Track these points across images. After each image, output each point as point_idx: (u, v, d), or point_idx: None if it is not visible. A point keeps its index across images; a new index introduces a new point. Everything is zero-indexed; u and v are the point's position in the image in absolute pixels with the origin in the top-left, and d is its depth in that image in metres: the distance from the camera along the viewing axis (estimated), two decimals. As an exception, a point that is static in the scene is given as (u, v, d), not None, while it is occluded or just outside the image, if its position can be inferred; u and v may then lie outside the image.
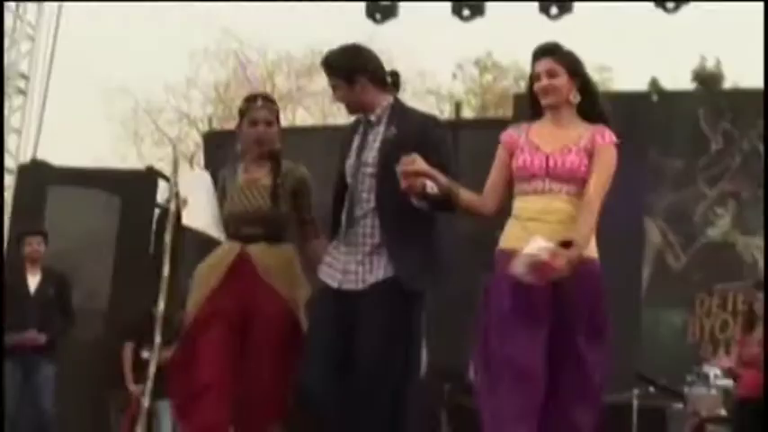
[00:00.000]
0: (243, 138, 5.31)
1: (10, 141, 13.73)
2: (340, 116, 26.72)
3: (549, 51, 4.62)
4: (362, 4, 12.54)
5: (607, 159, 4.48)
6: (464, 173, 4.70)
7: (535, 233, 4.30)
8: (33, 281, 8.55)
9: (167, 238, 5.34)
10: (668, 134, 9.64)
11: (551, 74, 4.56)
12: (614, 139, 4.53)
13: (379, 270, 4.61)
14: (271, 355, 4.92)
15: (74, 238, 8.95)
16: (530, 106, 4.68)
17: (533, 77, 4.62)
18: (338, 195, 4.81)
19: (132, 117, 26.67)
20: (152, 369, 5.41)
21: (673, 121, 9.65)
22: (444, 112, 25.35)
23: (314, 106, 27.65)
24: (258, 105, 5.26)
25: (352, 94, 4.84)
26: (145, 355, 8.75)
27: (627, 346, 8.24)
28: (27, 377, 8.43)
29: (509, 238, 4.47)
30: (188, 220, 5.24)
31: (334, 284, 4.69)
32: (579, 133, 4.53)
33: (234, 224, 5.18)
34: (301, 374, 4.59)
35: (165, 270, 5.38)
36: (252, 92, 5.34)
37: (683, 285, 9.69)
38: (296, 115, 27.28)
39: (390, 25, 12.73)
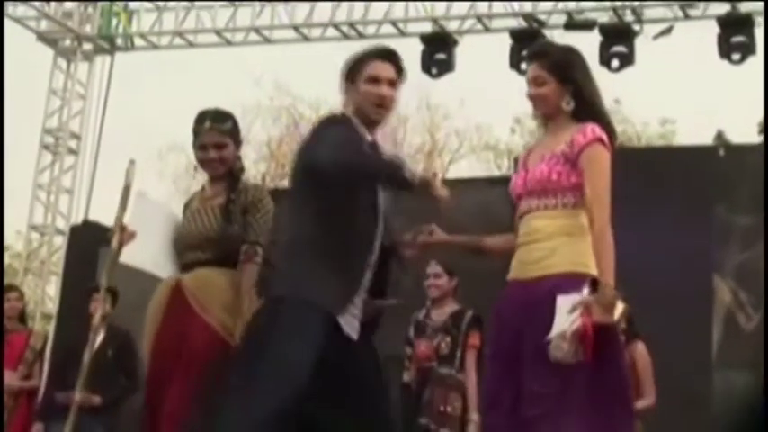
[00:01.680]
0: (196, 161, 5.06)
1: (61, 202, 13.96)
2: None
3: (535, 56, 4.30)
4: (417, 58, 12.62)
5: (597, 163, 4.07)
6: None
7: (517, 257, 4.13)
8: (96, 340, 8.56)
9: (103, 279, 5.14)
10: (736, 189, 9.55)
11: (537, 82, 4.21)
12: (599, 133, 4.11)
13: None
14: (184, 387, 4.61)
15: (127, 300, 8.97)
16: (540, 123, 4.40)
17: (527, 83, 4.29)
18: (368, 227, 4.18)
19: (185, 175, 26.93)
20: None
21: (740, 175, 9.55)
22: (502, 168, 25.34)
23: (369, 163, 27.72)
24: (206, 128, 4.96)
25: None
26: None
27: (696, 409, 8.12)
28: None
29: (510, 270, 4.22)
30: (128, 257, 5.04)
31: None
32: (562, 139, 4.15)
33: (179, 250, 4.93)
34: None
35: (99, 310, 5.21)
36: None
37: (756, 346, 9.55)
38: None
39: (447, 79, 12.80)
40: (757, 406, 7.30)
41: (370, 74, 4.17)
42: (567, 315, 3.84)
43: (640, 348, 7.06)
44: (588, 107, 4.20)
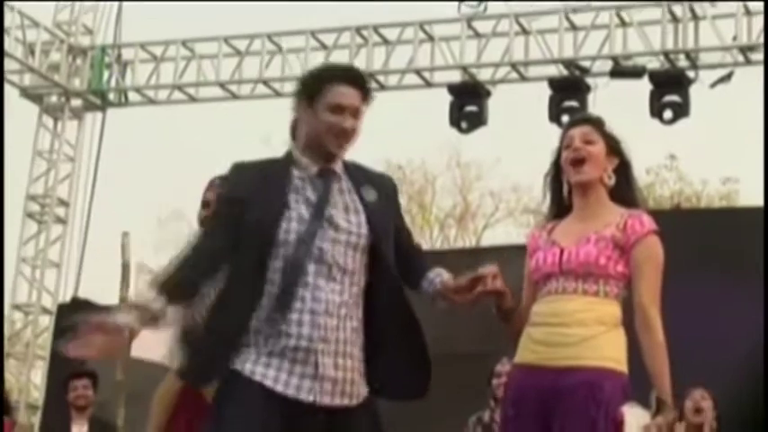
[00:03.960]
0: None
1: (48, 277, 13.98)
2: (423, 240, 26.93)
3: (586, 120, 4.38)
4: (446, 111, 12.68)
5: (653, 257, 4.13)
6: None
7: (534, 338, 4.13)
8: None
9: (118, 373, 5.10)
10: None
11: (587, 140, 4.22)
12: (654, 225, 4.15)
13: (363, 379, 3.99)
14: None
15: (122, 385, 9.00)
16: (553, 196, 4.37)
17: (562, 148, 4.27)
18: (254, 254, 3.93)
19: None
20: None
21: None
22: (544, 233, 25.31)
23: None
24: (215, 184, 5.07)
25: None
26: None
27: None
28: None
29: (519, 351, 4.22)
30: (141, 350, 5.06)
31: (308, 397, 3.83)
32: (606, 221, 4.17)
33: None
34: None
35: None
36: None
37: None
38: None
39: (479, 134, 12.85)
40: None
41: (333, 101, 4.01)
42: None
43: None
44: (629, 188, 4.29)
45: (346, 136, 4.04)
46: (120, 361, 5.03)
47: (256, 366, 3.82)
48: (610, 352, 4.07)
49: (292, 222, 3.89)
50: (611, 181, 4.23)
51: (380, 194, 4.06)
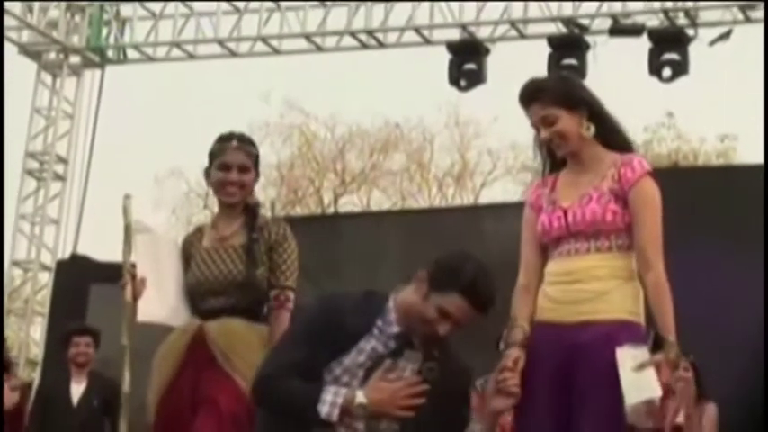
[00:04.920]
0: (212, 183, 5.04)
1: (47, 234, 13.96)
2: (421, 198, 26.95)
3: (531, 97, 4.27)
4: (444, 69, 12.64)
5: (648, 200, 4.13)
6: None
7: (550, 296, 4.15)
8: (77, 389, 8.59)
9: (124, 338, 5.03)
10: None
11: (548, 122, 4.21)
12: (646, 166, 4.17)
13: None
14: None
15: (119, 343, 9.00)
16: (547, 156, 4.37)
17: (534, 127, 4.29)
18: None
19: (185, 202, 27.06)
20: None
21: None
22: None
23: (391, 187, 27.77)
24: (232, 147, 4.98)
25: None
26: None
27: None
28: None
29: (537, 310, 4.22)
30: (145, 313, 4.91)
31: None
32: (602, 173, 4.18)
33: (198, 296, 4.93)
34: None
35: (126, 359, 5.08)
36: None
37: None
38: (371, 197, 27.44)
39: (477, 92, 12.81)
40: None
41: (447, 309, 4.06)
42: (634, 373, 3.91)
43: (710, 413, 7.08)
44: (609, 127, 4.25)
45: (435, 339, 4.05)
46: (125, 325, 4.95)
47: None
48: (625, 304, 4.08)
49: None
50: (590, 132, 4.20)
51: (441, 385, 4.02)
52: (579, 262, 4.14)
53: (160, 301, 5.00)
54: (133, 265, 4.96)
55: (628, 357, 3.93)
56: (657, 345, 3.97)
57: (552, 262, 4.22)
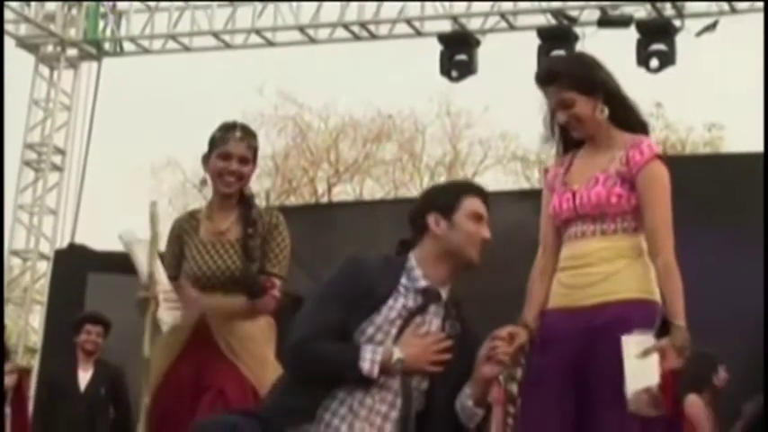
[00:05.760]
0: (210, 171, 5.00)
1: (45, 223, 13.96)
2: (413, 187, 26.92)
3: (550, 80, 4.28)
4: (436, 60, 12.63)
5: (656, 182, 4.12)
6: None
7: (562, 282, 4.14)
8: (84, 376, 8.60)
9: (145, 347, 4.96)
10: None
11: (565, 105, 4.20)
12: (655, 149, 4.17)
13: None
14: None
15: (118, 332, 8.99)
16: (561, 137, 4.34)
17: (551, 109, 4.29)
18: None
19: (181, 192, 27.03)
20: None
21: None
22: (532, 180, 25.34)
23: (384, 177, 27.77)
24: (236, 137, 4.95)
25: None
26: None
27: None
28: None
29: (550, 297, 4.21)
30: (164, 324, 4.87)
31: None
32: (612, 155, 4.18)
33: (197, 289, 4.91)
34: None
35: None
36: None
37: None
38: (363, 187, 27.43)
39: (468, 83, 12.82)
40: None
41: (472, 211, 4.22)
42: (637, 360, 3.86)
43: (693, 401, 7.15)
44: (623, 109, 4.23)
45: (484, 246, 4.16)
46: (147, 338, 4.91)
47: None
48: (635, 283, 4.06)
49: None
50: (605, 114, 4.19)
51: (462, 342, 4.05)
52: (586, 245, 4.13)
53: (171, 305, 4.98)
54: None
55: (632, 344, 3.87)
56: (664, 330, 3.91)
57: (564, 247, 4.21)
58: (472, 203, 4.16)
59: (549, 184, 4.35)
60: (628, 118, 4.25)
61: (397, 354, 3.90)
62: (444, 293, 4.11)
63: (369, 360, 3.88)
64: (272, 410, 3.96)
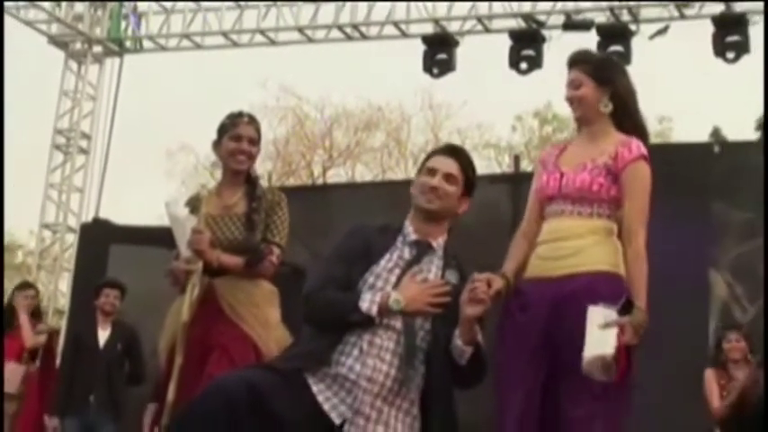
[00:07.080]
0: (222, 152, 5.04)
1: (73, 200, 13.95)
2: (399, 171, 26.90)
3: (574, 62, 4.29)
4: (419, 58, 12.59)
5: (639, 179, 4.09)
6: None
7: (538, 254, 4.12)
8: (103, 334, 8.59)
9: (185, 309, 4.89)
10: (732, 186, 9.51)
11: (575, 84, 4.22)
12: (643, 150, 4.13)
13: None
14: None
15: (135, 296, 8.98)
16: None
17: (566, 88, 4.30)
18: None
19: (194, 174, 26.96)
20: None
21: (736, 171, 9.50)
22: (503, 165, 25.34)
23: (373, 162, 27.74)
24: (245, 121, 5.04)
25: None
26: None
27: (695, 401, 8.07)
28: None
29: (527, 268, 4.17)
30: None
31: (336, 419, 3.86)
32: (603, 148, 4.15)
33: None
34: None
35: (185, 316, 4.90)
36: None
37: (751, 338, 9.52)
38: (355, 170, 27.39)
39: (448, 79, 12.77)
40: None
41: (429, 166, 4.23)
42: (599, 330, 3.82)
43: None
44: (625, 111, 4.22)
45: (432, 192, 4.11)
46: (187, 304, 4.85)
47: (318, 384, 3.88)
48: (603, 257, 4.05)
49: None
50: (608, 109, 4.19)
51: (461, 288, 3.97)
52: (562, 222, 4.11)
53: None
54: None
55: (598, 314, 3.85)
56: (627, 309, 3.88)
57: (544, 223, 4.19)
58: (430, 162, 4.19)
59: (541, 161, 4.34)
60: (627, 121, 4.23)
61: (395, 295, 3.88)
62: (436, 245, 4.10)
63: (368, 300, 3.88)
64: (290, 359, 3.94)
